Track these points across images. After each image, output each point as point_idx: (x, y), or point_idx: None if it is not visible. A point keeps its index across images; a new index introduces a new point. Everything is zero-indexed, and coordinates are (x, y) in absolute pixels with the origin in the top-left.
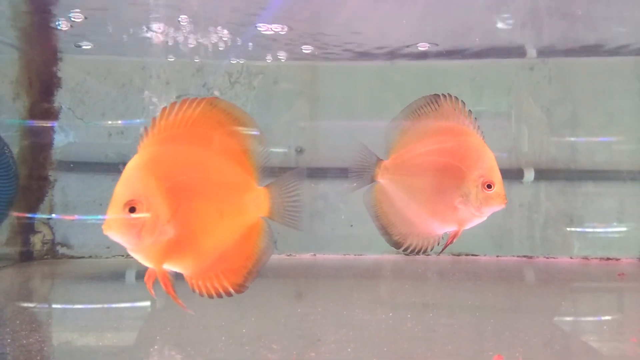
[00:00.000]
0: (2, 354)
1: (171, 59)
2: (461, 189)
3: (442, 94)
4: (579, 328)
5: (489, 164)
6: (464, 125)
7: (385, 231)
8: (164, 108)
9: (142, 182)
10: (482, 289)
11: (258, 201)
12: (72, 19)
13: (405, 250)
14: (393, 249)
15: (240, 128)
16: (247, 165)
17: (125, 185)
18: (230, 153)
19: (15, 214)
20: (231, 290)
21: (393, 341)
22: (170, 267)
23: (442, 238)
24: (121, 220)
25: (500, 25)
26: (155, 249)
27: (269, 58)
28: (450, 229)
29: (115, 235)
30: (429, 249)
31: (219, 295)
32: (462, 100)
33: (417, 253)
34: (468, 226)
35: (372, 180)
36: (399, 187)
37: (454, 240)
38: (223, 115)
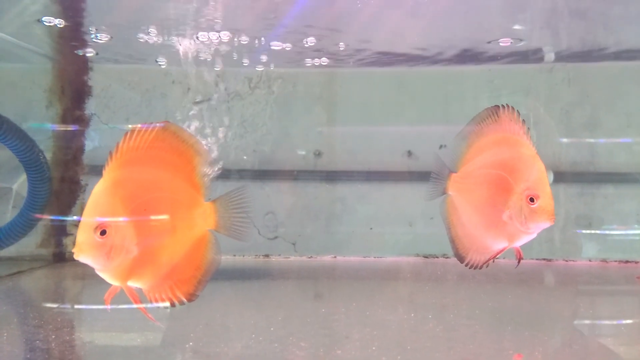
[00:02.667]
0: (47, 349)
1: (193, 65)
2: (508, 202)
3: (502, 105)
4: (597, 330)
5: (537, 176)
6: (517, 135)
7: (453, 244)
8: (126, 133)
9: (109, 205)
10: (501, 291)
11: (205, 215)
12: (99, 39)
13: (466, 264)
14: (412, 250)
15: (188, 149)
16: (195, 182)
17: (94, 209)
18: (180, 172)
19: (46, 216)
20: (183, 299)
21: (416, 340)
22: (131, 283)
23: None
24: (92, 243)
25: (517, 28)
26: (121, 267)
27: (288, 63)
28: (502, 245)
29: (87, 258)
30: (484, 265)
31: (173, 305)
32: (517, 110)
33: (475, 268)
34: (517, 243)
35: (444, 192)
36: (464, 200)
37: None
38: (174, 138)
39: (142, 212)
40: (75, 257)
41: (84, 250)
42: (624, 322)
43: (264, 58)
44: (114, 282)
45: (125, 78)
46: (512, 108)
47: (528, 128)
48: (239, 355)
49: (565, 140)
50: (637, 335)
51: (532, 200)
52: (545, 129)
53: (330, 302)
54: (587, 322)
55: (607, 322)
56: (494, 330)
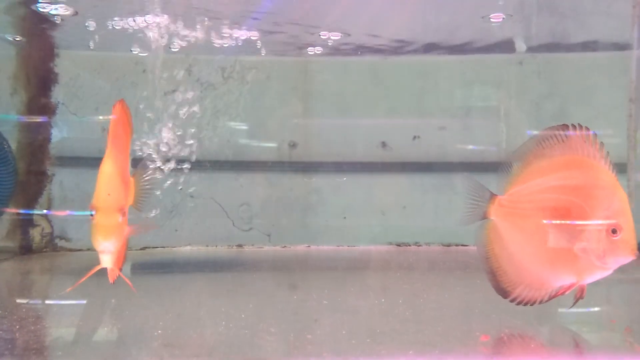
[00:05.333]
0: (12, 339)
1: (164, 53)
2: (583, 233)
3: (572, 124)
4: (560, 314)
5: (619, 205)
6: (594, 159)
7: (494, 276)
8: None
9: (121, 189)
10: (470, 276)
11: (130, 192)
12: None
13: (512, 300)
14: (385, 239)
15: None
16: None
17: (112, 191)
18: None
19: (10, 209)
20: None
21: (385, 323)
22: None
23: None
24: (116, 226)
25: (489, 20)
26: (119, 247)
27: (261, 53)
28: (567, 281)
29: (111, 241)
30: (537, 302)
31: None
32: (594, 132)
33: (526, 304)
34: (588, 280)
35: (484, 216)
36: (514, 227)
37: (566, 292)
38: (127, 114)
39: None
40: (103, 239)
41: (112, 232)
42: (590, 308)
43: (237, 47)
44: (110, 263)
45: (94, 66)
46: (587, 128)
47: (607, 152)
48: (207, 341)
49: (535, 131)
50: (598, 320)
51: (614, 231)
52: (516, 121)
53: (302, 290)
54: (550, 303)
55: (566, 308)
56: (462, 313)
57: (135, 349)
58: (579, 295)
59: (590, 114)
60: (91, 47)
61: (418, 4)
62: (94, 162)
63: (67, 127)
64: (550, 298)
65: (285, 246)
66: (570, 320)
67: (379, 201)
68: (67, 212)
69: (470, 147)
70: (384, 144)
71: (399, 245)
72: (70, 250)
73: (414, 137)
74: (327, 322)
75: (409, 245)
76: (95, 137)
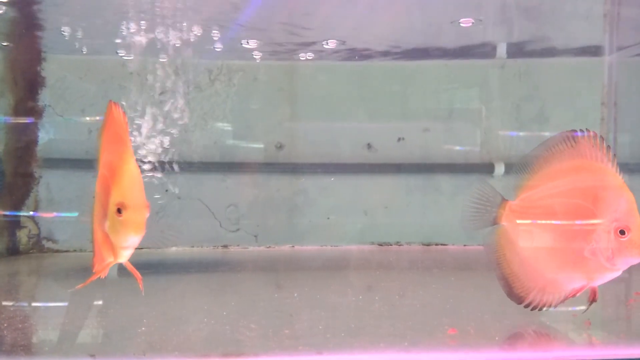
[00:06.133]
0: (0, 337)
1: (151, 56)
2: (592, 235)
3: (580, 129)
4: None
5: (626, 206)
6: (601, 162)
7: (506, 282)
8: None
9: (142, 186)
10: (447, 274)
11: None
12: (62, 32)
13: (527, 306)
14: (367, 239)
15: None
16: None
17: (141, 189)
18: None
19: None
20: None
21: (361, 319)
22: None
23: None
24: (145, 223)
25: (472, 25)
26: None
27: (248, 56)
28: (578, 283)
29: (141, 236)
30: (552, 306)
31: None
32: (600, 136)
33: (540, 309)
34: (599, 281)
35: (495, 222)
36: (526, 232)
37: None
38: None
39: None
40: (137, 235)
41: (143, 228)
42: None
43: (224, 50)
44: (125, 258)
45: (81, 69)
46: (595, 133)
47: (614, 155)
48: (189, 337)
49: (515, 133)
50: (564, 315)
51: (622, 232)
52: (497, 123)
53: (284, 289)
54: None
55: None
56: (434, 308)
57: (119, 345)
58: (592, 299)
59: (569, 116)
60: (80, 51)
61: (402, 7)
62: (81, 163)
63: (54, 129)
64: (562, 301)
65: (270, 246)
66: (537, 313)
67: (363, 202)
68: (54, 214)
69: (458, 148)
70: (369, 146)
71: (380, 245)
72: (57, 251)
73: (399, 139)
74: (306, 318)
75: (391, 245)
76: (82, 139)
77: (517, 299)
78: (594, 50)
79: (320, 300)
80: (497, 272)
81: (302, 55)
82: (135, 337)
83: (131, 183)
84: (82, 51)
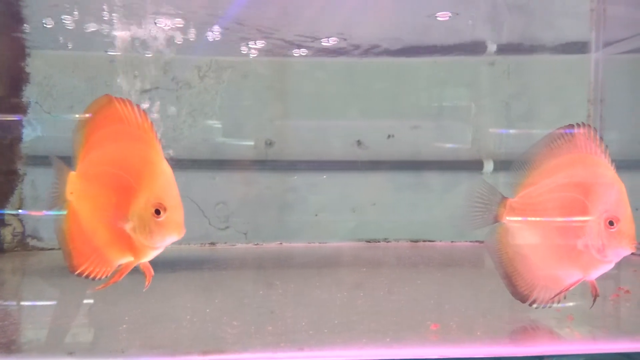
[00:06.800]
0: None
1: (139, 52)
2: (584, 228)
3: (577, 123)
4: (510, 302)
5: (617, 197)
6: (595, 155)
7: (510, 281)
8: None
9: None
10: (433, 270)
11: None
12: (46, 26)
13: (531, 304)
14: (356, 236)
15: None
16: None
17: (177, 190)
18: None
19: None
20: None
21: (344, 315)
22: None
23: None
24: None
25: (462, 21)
26: None
27: (238, 52)
28: (575, 278)
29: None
30: (555, 303)
31: None
32: (594, 128)
33: (544, 306)
34: (593, 274)
35: (495, 220)
36: (527, 229)
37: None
38: None
39: None
40: (179, 235)
41: (183, 228)
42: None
43: (213, 47)
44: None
45: (68, 65)
46: (589, 126)
47: (606, 146)
48: (171, 334)
49: (505, 130)
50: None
51: (611, 223)
52: (486, 120)
53: (269, 286)
54: (501, 293)
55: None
56: (418, 304)
57: (98, 343)
58: (595, 294)
59: (558, 113)
60: (66, 47)
61: (392, 4)
62: (69, 161)
63: (41, 125)
64: (560, 296)
65: (257, 244)
66: (520, 309)
67: (353, 199)
68: (43, 212)
69: (447, 145)
70: (359, 143)
71: (368, 241)
72: (42, 249)
73: (389, 136)
74: (289, 315)
75: (378, 242)
76: (70, 136)
77: (522, 297)
78: (581, 47)
79: (305, 297)
80: (500, 270)
81: (293, 52)
82: (116, 335)
83: (168, 183)
84: (68, 47)
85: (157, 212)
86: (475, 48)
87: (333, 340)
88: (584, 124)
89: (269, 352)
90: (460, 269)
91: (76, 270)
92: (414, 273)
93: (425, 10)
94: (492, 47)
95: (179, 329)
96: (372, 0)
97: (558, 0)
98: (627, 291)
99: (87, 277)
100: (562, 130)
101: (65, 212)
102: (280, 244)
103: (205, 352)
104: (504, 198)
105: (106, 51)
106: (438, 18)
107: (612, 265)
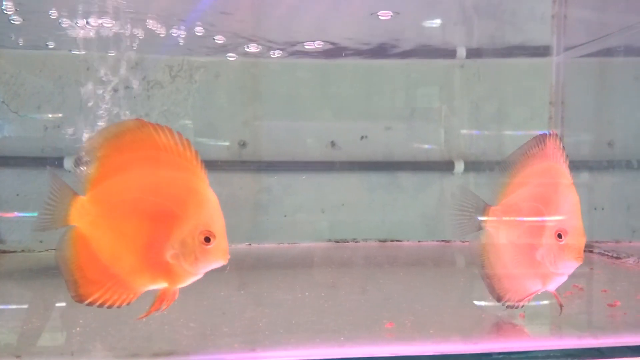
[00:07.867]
0: None
1: (109, 51)
2: (541, 239)
3: (549, 133)
4: (468, 301)
5: (568, 208)
6: (559, 163)
7: (489, 282)
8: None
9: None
10: (397, 270)
11: None
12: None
13: (503, 304)
14: (325, 236)
15: None
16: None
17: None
18: None
19: None
20: None
21: (303, 315)
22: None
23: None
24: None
25: (432, 24)
26: None
27: (210, 52)
28: (538, 287)
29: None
30: (521, 306)
31: None
32: (560, 136)
33: (514, 308)
34: (550, 286)
35: (480, 227)
36: (503, 236)
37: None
38: None
39: None
40: (224, 261)
41: (228, 254)
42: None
43: (184, 46)
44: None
45: (36, 64)
46: (556, 135)
47: (567, 155)
48: (125, 336)
49: (475, 131)
50: (500, 309)
51: (559, 236)
52: (457, 121)
53: (232, 287)
54: (460, 293)
55: (476, 293)
56: (377, 303)
57: (48, 346)
58: (559, 303)
59: (526, 115)
60: (34, 46)
61: (363, 6)
62: (36, 161)
63: (8, 125)
64: (521, 301)
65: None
66: (475, 306)
67: (326, 199)
68: (15, 213)
69: (420, 146)
70: (333, 144)
71: (337, 242)
72: (4, 252)
73: (362, 137)
74: (248, 316)
75: (347, 242)
76: (38, 136)
77: (498, 297)
78: (543, 51)
79: (265, 297)
80: (481, 271)
81: (266, 53)
82: (68, 338)
83: (215, 211)
84: (36, 46)
85: (207, 239)
86: (445, 51)
87: (287, 340)
88: (555, 134)
89: (220, 353)
90: (423, 268)
91: (85, 299)
92: (378, 272)
93: (397, 13)
94: (462, 51)
95: (133, 332)
96: (345, 2)
97: (525, 5)
98: (581, 289)
99: (100, 305)
100: (537, 138)
101: (66, 237)
102: (249, 244)
103: (155, 355)
104: (486, 205)
105: (70, 50)
106: (380, 17)
107: (565, 278)
